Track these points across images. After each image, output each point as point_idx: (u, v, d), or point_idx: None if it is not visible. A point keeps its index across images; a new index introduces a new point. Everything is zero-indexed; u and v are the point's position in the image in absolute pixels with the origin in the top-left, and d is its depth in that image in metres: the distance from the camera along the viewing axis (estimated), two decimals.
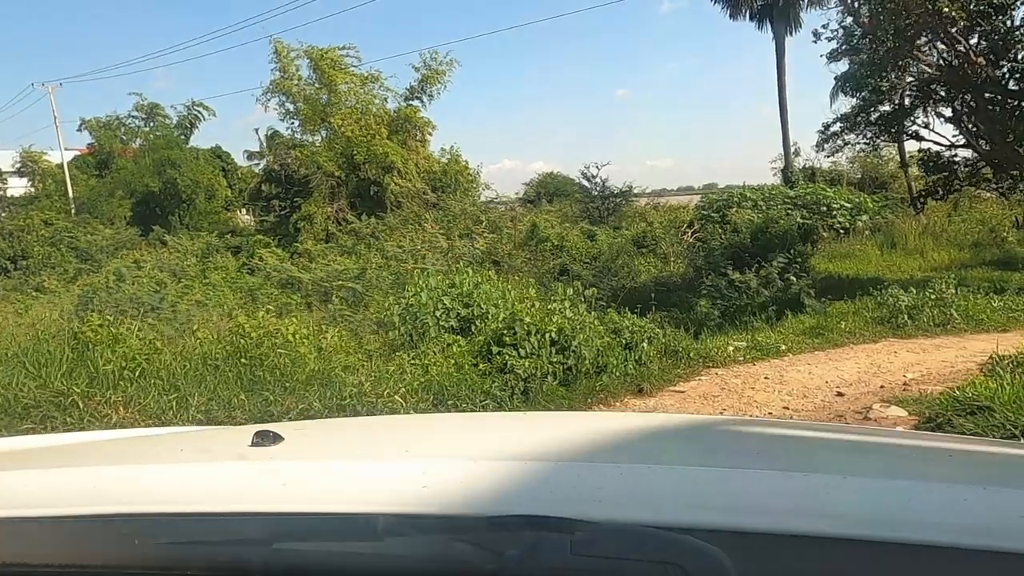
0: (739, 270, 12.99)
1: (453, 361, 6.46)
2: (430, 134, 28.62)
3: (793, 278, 12.49)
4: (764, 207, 20.29)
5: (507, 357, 6.32)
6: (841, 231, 20.25)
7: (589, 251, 18.55)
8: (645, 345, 7.59)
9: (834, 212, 20.50)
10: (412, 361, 6.64)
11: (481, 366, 6.36)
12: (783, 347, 9.28)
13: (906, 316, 10.07)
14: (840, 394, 7.37)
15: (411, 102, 28.56)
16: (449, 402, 5.96)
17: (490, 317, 7.36)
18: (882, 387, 7.60)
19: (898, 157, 25.53)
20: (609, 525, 0.72)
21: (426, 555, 0.71)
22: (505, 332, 6.56)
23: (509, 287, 7.77)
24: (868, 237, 19.90)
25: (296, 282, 13.38)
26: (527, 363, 6.34)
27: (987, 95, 12.62)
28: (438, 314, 7.68)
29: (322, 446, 1.25)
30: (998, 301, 10.63)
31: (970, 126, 13.72)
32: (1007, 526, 0.74)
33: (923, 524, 0.74)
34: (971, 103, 13.00)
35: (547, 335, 6.56)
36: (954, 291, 10.41)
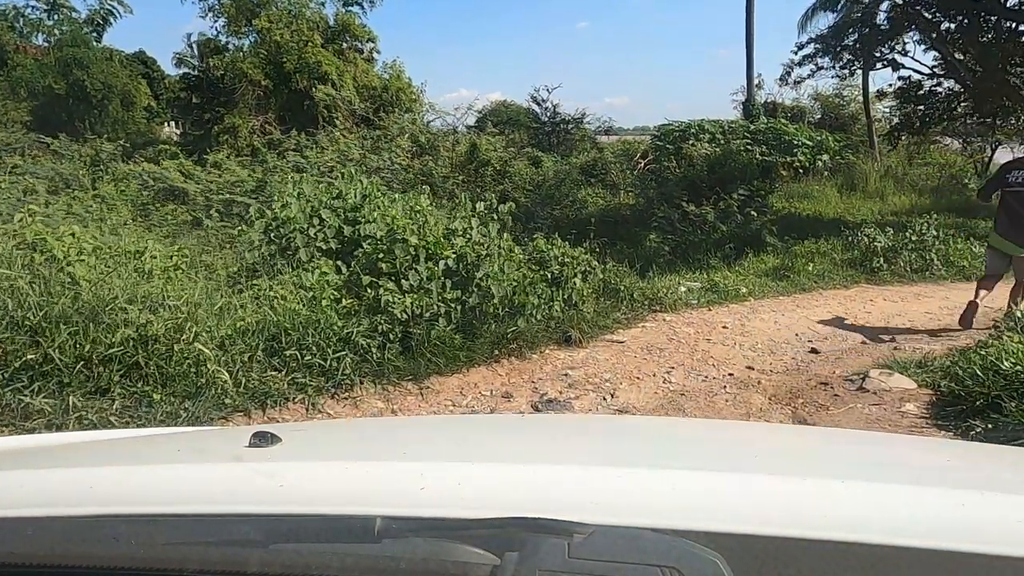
0: (695, 203, 11.30)
1: (310, 294, 4.55)
2: (377, 52, 25.82)
3: (754, 213, 10.85)
4: (723, 140, 18.58)
5: (382, 291, 4.44)
6: (800, 170, 18.72)
7: (534, 178, 16.63)
8: (577, 281, 5.80)
9: (795, 150, 18.90)
10: (262, 293, 4.72)
11: (345, 302, 4.48)
12: (743, 290, 7.65)
13: (882, 260, 8.54)
14: (815, 351, 5.77)
15: (350, 8, 25.60)
16: (287, 352, 4.09)
17: (381, 239, 5.43)
18: (863, 343, 6.05)
19: (860, 98, 24.09)
20: (607, 528, 0.69)
21: (423, 557, 0.67)
22: (383, 257, 4.67)
23: (397, 196, 5.80)
24: (827, 178, 18.45)
25: (181, 193, 11.13)
26: (410, 300, 4.47)
27: (983, 16, 10.93)
28: (312, 232, 5.71)
29: (320, 447, 1.21)
30: (979, 247, 9.20)
31: (957, 53, 12.06)
32: (1006, 531, 0.73)
33: (921, 529, 0.72)
34: (964, 23, 11.30)
35: (441, 263, 4.70)
36: (935, 234, 8.91)
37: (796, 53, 13.15)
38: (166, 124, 30.35)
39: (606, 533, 0.67)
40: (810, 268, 8.53)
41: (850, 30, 12.69)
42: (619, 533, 0.68)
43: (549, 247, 5.84)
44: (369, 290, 4.46)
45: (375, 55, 26.33)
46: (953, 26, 11.98)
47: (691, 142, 18.54)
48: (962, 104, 11.95)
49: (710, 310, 6.92)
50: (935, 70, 12.30)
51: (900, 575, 0.68)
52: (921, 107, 12.02)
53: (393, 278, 4.58)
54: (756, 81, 22.36)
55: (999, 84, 11.02)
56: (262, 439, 0.98)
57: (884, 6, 12.60)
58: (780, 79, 24.06)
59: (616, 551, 0.65)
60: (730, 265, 9.07)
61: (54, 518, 0.77)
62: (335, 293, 4.55)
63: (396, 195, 5.61)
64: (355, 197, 5.97)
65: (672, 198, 11.49)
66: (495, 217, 5.27)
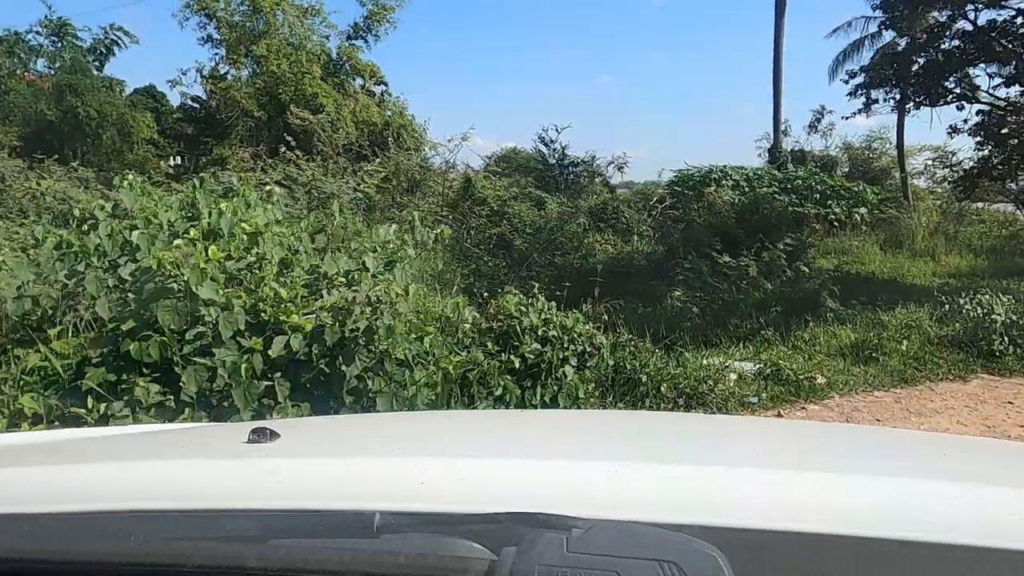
0: (729, 253, 8.79)
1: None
2: (388, 94, 23.96)
3: (806, 269, 8.28)
4: (748, 188, 16.16)
5: (114, 408, 1.89)
6: (835, 224, 16.21)
7: (535, 220, 14.23)
8: (568, 370, 3.22)
9: (828, 201, 16.43)
10: None
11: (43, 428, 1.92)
12: (819, 379, 5.01)
13: (1005, 339, 5.90)
14: None
15: (353, 42, 23.84)
16: None
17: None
18: None
19: (893, 151, 21.74)
20: (605, 523, 0.66)
21: (422, 552, 0.64)
22: (134, 329, 2.13)
23: (224, 207, 3.19)
24: (866, 233, 15.93)
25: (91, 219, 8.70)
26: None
27: None
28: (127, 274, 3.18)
29: (319, 443, 1.15)
30: None
31: None
32: (1001, 524, 0.71)
33: (918, 522, 0.70)
34: None
35: (278, 343, 2.16)
36: None
37: (847, 81, 10.69)
38: (172, 158, 28.66)
39: (604, 528, 0.65)
40: (903, 348, 5.89)
41: (912, 57, 10.29)
42: (617, 528, 0.66)
43: (523, 311, 3.29)
44: (95, 406, 1.91)
45: (387, 96, 24.62)
46: None
47: (712, 188, 16.21)
48: None
49: (780, 415, 4.29)
50: (1019, 104, 9.83)
51: (896, 568, 0.66)
52: (1006, 147, 9.48)
53: (164, 372, 2.04)
54: (783, 127, 20.10)
55: None
56: (261, 435, 0.93)
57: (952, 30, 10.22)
58: (809, 126, 21.88)
59: (614, 546, 0.63)
60: (785, 336, 6.46)
61: (54, 514, 0.74)
62: (34, 407, 1.99)
63: (225, 208, 3.11)
64: (212, 217, 3.43)
65: (700, 246, 8.94)
66: (410, 248, 2.73)
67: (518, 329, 3.18)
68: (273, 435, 0.94)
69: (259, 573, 0.64)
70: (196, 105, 24.87)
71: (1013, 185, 16.98)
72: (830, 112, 19.43)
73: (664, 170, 22.06)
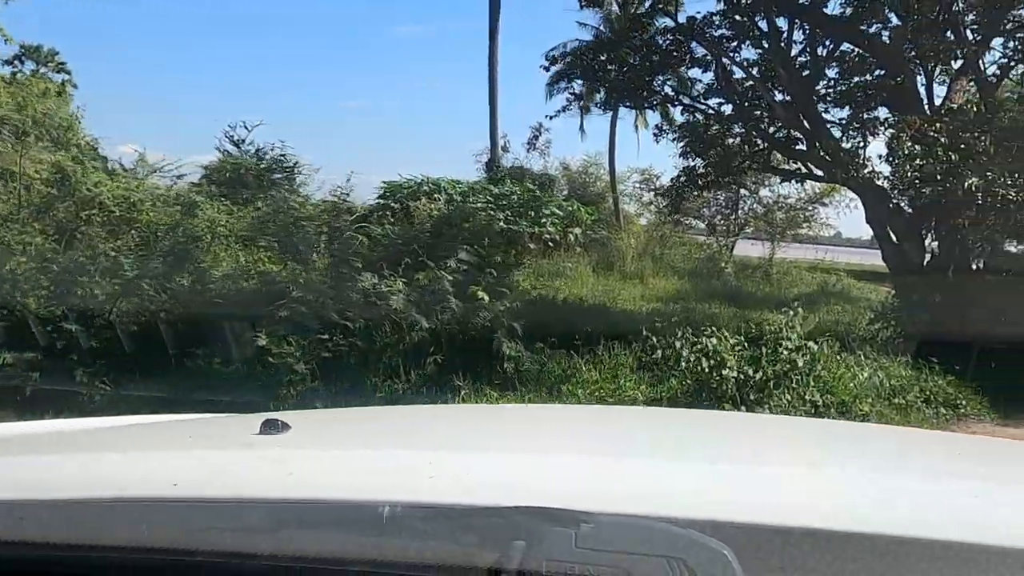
0: (387, 274, 5.89)
1: None
2: (67, 81, 17.75)
3: (485, 296, 5.65)
4: (462, 202, 13.89)
5: None
6: (550, 243, 14.63)
7: (176, 230, 10.13)
8: None
9: (543, 219, 14.81)
10: None
11: None
12: None
13: (740, 407, 3.66)
14: None
15: None
16: None
17: None
18: None
19: (607, 176, 21.49)
20: (614, 518, 0.63)
21: (431, 545, 0.63)
22: None
23: None
24: (581, 254, 14.59)
25: None
26: None
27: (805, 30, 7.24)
28: None
29: (329, 435, 1.14)
30: (863, 369, 4.82)
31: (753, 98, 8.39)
32: (1016, 524, 0.67)
33: (932, 520, 0.66)
34: (765, 49, 7.52)
35: None
36: (812, 347, 4.27)
37: (548, 69, 8.64)
38: None
39: (613, 523, 0.62)
40: None
41: (618, 52, 8.55)
42: (626, 523, 0.63)
43: None
44: None
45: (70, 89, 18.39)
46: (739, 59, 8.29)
47: (422, 200, 13.67)
48: (759, 152, 8.20)
49: None
50: (718, 112, 8.50)
51: (907, 567, 0.62)
52: (710, 154, 8.03)
53: None
54: (502, 142, 18.47)
55: (814, 127, 7.33)
56: (272, 427, 0.91)
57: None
58: (528, 143, 20.58)
59: (623, 541, 0.60)
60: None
61: (65, 501, 0.72)
62: None
63: None
64: None
65: (342, 265, 5.86)
66: None
67: None
68: (284, 427, 0.91)
69: (270, 562, 0.62)
70: None
71: (707, 211, 17.02)
72: (547, 130, 18.20)
73: (353, 172, 19.13)
